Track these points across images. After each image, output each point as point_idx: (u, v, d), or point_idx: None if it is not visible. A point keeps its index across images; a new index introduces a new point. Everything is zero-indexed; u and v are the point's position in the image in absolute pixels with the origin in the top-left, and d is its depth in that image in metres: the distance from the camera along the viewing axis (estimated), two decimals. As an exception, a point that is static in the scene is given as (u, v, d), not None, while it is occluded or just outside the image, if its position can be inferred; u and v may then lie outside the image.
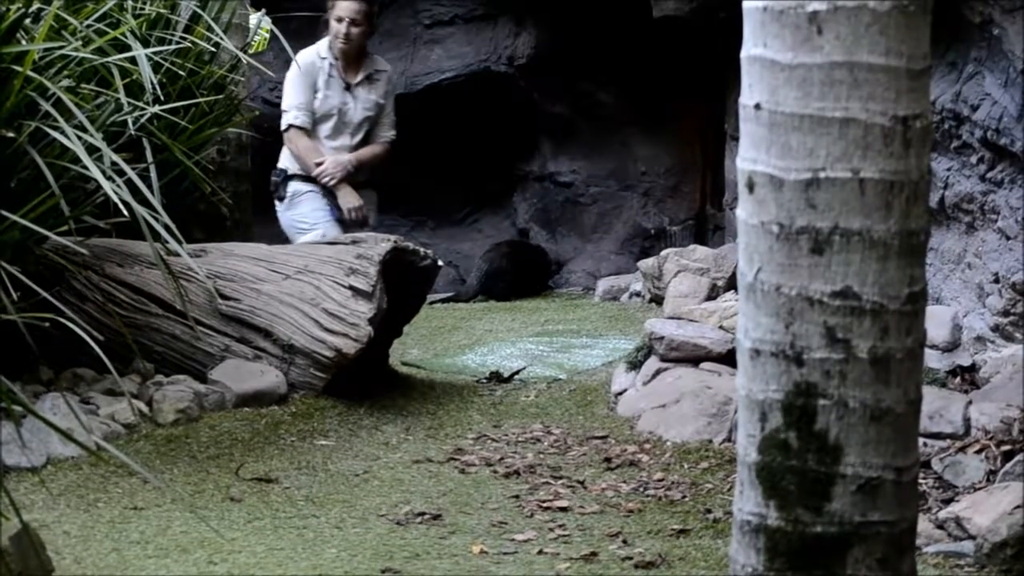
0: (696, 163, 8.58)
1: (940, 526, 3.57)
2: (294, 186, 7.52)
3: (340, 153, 7.52)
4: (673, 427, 4.52)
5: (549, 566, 3.36)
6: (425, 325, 6.04)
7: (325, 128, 7.57)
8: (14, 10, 4.03)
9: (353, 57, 7.54)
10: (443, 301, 6.90)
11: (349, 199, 7.49)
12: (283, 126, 7.51)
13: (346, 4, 7.44)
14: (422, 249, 5.12)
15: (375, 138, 7.67)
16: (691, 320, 5.09)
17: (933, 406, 4.09)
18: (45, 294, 3.58)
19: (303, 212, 7.42)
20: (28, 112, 4.03)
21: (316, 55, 7.54)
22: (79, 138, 3.86)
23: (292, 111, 7.50)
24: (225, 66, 5.53)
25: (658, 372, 4.90)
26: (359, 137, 7.58)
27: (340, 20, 7.44)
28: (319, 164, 7.46)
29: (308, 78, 7.50)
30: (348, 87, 7.53)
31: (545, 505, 3.86)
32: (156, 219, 3.92)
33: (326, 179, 7.45)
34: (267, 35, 8.47)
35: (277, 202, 7.54)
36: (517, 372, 5.36)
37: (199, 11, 5.33)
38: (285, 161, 7.63)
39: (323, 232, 7.28)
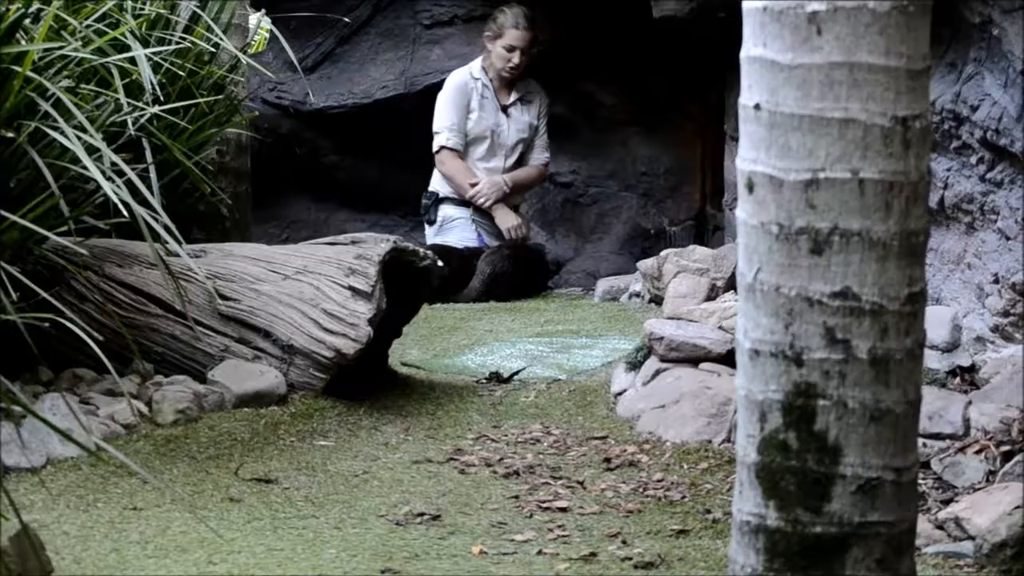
0: (696, 163, 8.57)
1: (939, 526, 3.57)
2: (445, 211, 7.61)
3: (492, 175, 7.56)
4: (673, 427, 4.52)
5: (548, 566, 3.36)
6: (425, 325, 6.04)
7: (479, 150, 7.62)
8: (14, 10, 4.03)
9: (509, 80, 7.59)
10: (443, 302, 6.90)
11: (507, 219, 7.57)
12: (435, 148, 7.58)
13: (519, 33, 7.52)
14: (422, 249, 5.12)
15: (529, 160, 7.74)
16: (691, 320, 5.09)
17: (933, 406, 4.09)
18: (44, 294, 3.58)
19: (452, 240, 7.48)
20: (27, 112, 4.03)
21: (469, 76, 7.61)
22: (79, 138, 3.86)
23: (444, 132, 7.56)
24: (225, 66, 5.53)
25: (657, 372, 4.90)
26: (512, 159, 7.65)
27: (511, 49, 7.50)
28: (474, 185, 7.49)
29: (461, 99, 7.55)
30: (503, 108, 7.58)
31: (545, 505, 3.86)
32: (156, 219, 3.92)
33: (482, 200, 7.51)
34: (267, 35, 8.47)
35: (427, 225, 7.62)
36: (517, 373, 5.36)
37: (199, 11, 5.33)
38: (436, 183, 7.70)
39: None
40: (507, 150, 7.65)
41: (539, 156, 7.80)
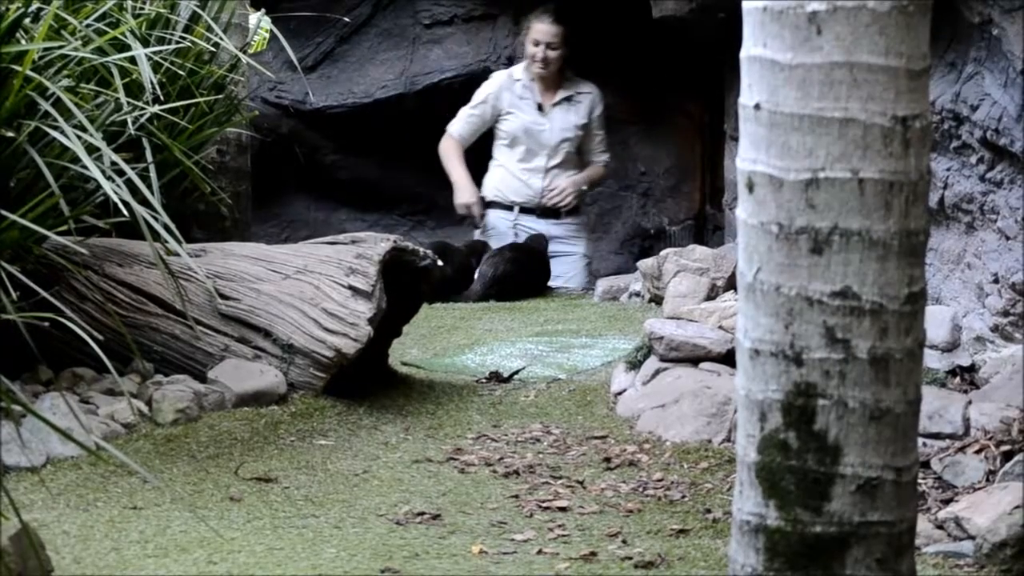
0: (696, 163, 8.58)
1: (939, 526, 3.57)
2: (489, 217, 7.66)
3: (533, 176, 7.60)
4: (672, 427, 4.52)
5: (548, 566, 3.36)
6: (424, 325, 6.04)
7: (517, 151, 7.67)
8: (13, 10, 4.04)
9: (551, 80, 7.59)
10: (443, 301, 6.89)
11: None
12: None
13: (543, 27, 7.52)
14: (422, 249, 5.12)
15: (589, 160, 7.77)
16: (691, 320, 5.09)
17: (932, 406, 4.09)
18: (44, 294, 3.58)
19: (493, 245, 7.53)
20: (27, 112, 4.03)
21: (508, 76, 7.65)
22: (79, 138, 3.86)
23: (457, 119, 7.60)
24: (225, 66, 5.53)
25: (657, 372, 4.90)
26: (556, 160, 7.68)
27: (537, 44, 7.54)
28: (553, 191, 7.52)
29: (490, 95, 7.56)
30: (540, 108, 7.58)
31: (544, 505, 3.86)
32: (156, 219, 3.92)
33: (565, 200, 7.57)
34: (267, 35, 8.47)
35: (476, 230, 7.69)
36: (517, 372, 5.36)
37: (199, 11, 5.33)
38: (485, 188, 7.75)
39: None
40: (549, 150, 7.64)
41: (600, 156, 7.83)
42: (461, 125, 7.68)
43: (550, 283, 7.60)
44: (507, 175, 7.70)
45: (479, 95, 7.68)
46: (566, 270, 7.75)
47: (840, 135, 2.50)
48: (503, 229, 7.68)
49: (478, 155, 7.87)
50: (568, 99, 7.67)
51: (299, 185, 8.77)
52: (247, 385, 4.54)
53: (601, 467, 4.26)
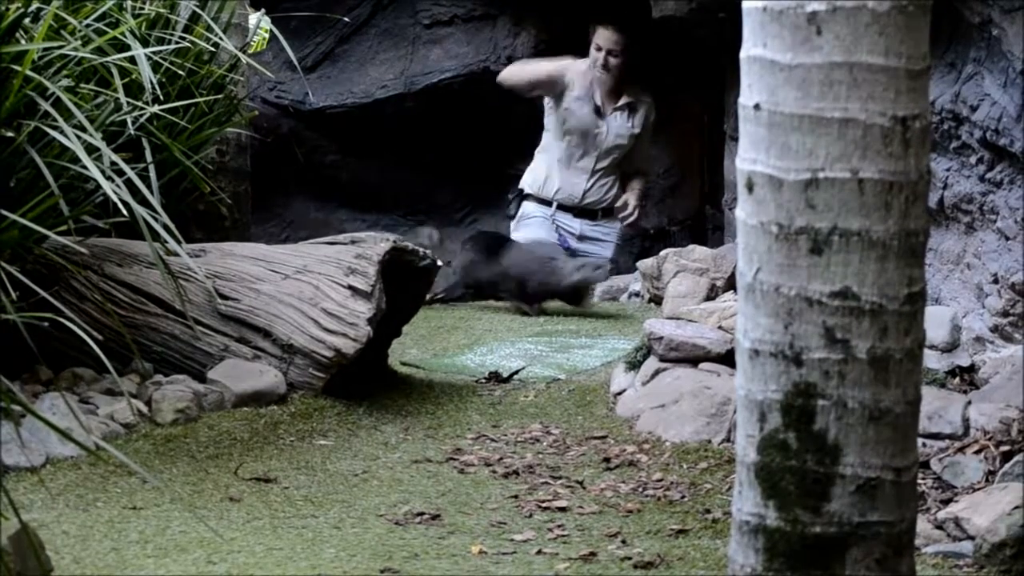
0: (696, 163, 8.58)
1: (939, 526, 3.57)
2: (525, 207, 7.63)
3: (579, 176, 7.59)
4: (672, 427, 4.52)
5: (548, 566, 3.36)
6: (424, 325, 6.04)
7: (573, 143, 7.65)
8: (13, 10, 4.03)
9: (612, 85, 7.57)
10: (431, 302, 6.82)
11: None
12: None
13: (607, 33, 7.55)
14: (421, 249, 5.12)
15: (634, 168, 7.78)
16: (690, 320, 5.09)
17: (932, 406, 4.09)
18: (44, 294, 3.58)
19: (526, 237, 7.50)
20: (27, 112, 4.03)
21: (578, 69, 7.57)
22: (78, 138, 3.86)
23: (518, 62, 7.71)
24: (225, 66, 5.53)
25: (657, 372, 4.90)
26: (605, 163, 7.69)
27: (599, 49, 7.56)
28: (624, 211, 7.52)
29: (564, 68, 7.55)
30: (598, 111, 7.58)
31: (544, 505, 3.86)
32: (155, 219, 3.92)
33: (635, 220, 7.62)
34: (266, 35, 8.47)
35: (510, 220, 7.67)
36: (516, 372, 5.36)
37: (199, 11, 5.33)
38: (525, 177, 7.73)
39: None
40: (601, 153, 7.66)
41: (644, 165, 7.87)
42: (524, 60, 7.81)
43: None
44: (552, 169, 7.68)
45: (554, 61, 7.69)
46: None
47: (840, 135, 2.50)
48: (540, 222, 7.66)
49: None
50: (627, 106, 7.70)
51: (299, 185, 8.77)
52: (247, 385, 4.54)
53: (601, 467, 4.26)
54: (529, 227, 7.63)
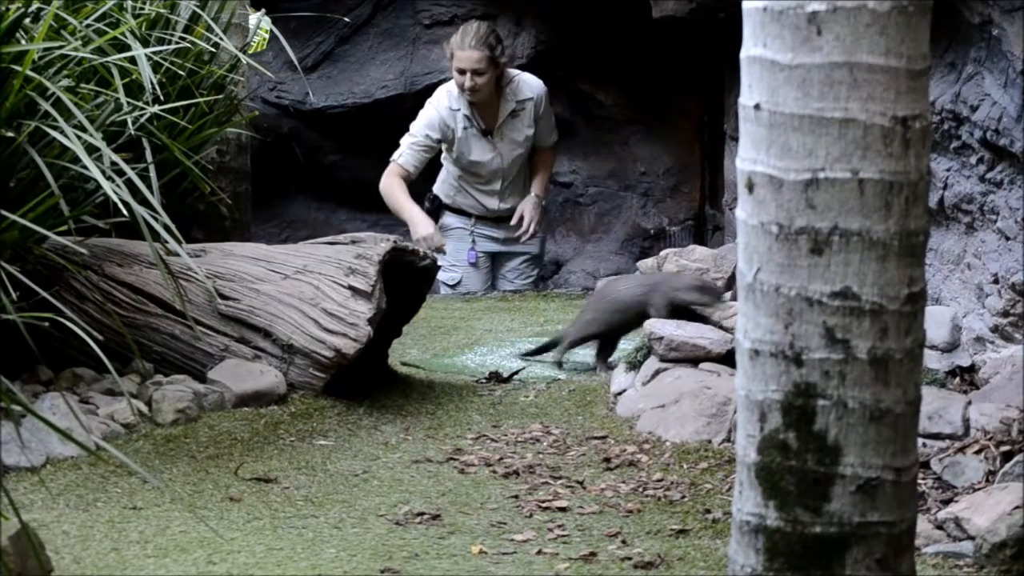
0: (696, 163, 8.58)
1: (939, 526, 3.57)
2: (445, 218, 7.49)
3: (488, 197, 7.43)
4: (672, 427, 4.52)
5: (548, 566, 3.36)
6: (424, 325, 6.04)
7: (477, 179, 7.48)
8: (14, 10, 4.04)
9: (489, 102, 7.27)
10: None
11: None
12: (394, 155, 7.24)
13: (464, 55, 7.10)
14: (421, 249, 5.12)
15: (538, 149, 7.56)
16: (690, 320, 5.09)
17: (932, 406, 4.09)
18: (44, 294, 3.58)
19: (448, 249, 7.39)
20: (27, 112, 4.03)
21: (448, 107, 7.22)
22: (79, 138, 3.86)
23: (405, 145, 7.26)
24: (225, 66, 5.53)
25: (657, 372, 4.90)
26: (510, 179, 7.51)
27: (463, 72, 7.14)
28: (521, 226, 7.35)
29: (441, 124, 7.22)
30: (486, 133, 7.37)
31: (544, 505, 3.86)
32: (156, 219, 3.92)
33: (532, 231, 7.47)
34: (267, 35, 8.47)
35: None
36: (516, 372, 5.36)
37: (199, 11, 5.33)
38: (438, 186, 7.56)
39: (461, 276, 7.29)
40: (504, 171, 7.50)
41: (546, 140, 7.57)
42: (408, 156, 7.30)
43: (499, 287, 7.54)
44: (460, 191, 7.54)
45: (424, 125, 7.29)
46: (515, 269, 7.64)
47: (840, 135, 2.50)
48: (459, 234, 7.56)
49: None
50: (512, 114, 7.45)
51: (299, 185, 8.77)
52: (247, 385, 4.54)
53: (601, 467, 4.26)
54: (448, 240, 7.48)
